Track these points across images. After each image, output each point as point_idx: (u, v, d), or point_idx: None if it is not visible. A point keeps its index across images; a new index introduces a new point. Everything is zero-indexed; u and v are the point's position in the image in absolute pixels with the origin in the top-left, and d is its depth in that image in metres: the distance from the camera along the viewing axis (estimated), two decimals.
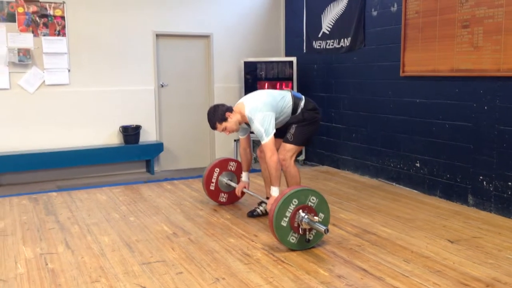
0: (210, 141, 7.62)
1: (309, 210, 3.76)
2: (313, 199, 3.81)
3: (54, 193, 5.72)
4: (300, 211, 3.74)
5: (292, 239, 3.77)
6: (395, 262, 3.57)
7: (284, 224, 3.72)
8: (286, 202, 3.72)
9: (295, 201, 3.74)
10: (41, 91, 6.49)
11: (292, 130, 4.40)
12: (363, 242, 3.98)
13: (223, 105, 4.36)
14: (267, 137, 4.10)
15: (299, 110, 4.40)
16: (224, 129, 4.33)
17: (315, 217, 3.73)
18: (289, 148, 4.39)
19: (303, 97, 4.49)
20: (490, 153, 4.74)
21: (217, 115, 4.29)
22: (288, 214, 3.72)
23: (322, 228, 3.65)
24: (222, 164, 5.09)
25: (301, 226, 3.74)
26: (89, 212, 4.91)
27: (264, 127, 4.11)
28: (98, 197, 5.50)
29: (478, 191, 4.88)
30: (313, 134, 4.59)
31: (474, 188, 4.92)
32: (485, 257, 3.65)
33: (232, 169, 5.10)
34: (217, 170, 5.05)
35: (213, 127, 4.37)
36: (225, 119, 4.29)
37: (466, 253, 3.73)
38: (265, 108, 4.20)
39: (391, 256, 3.68)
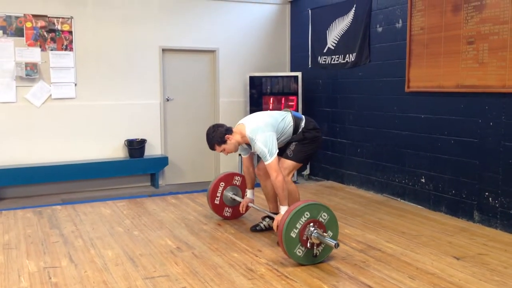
0: (215, 156, 7.63)
1: (319, 225, 3.77)
2: (324, 216, 3.82)
3: (59, 207, 5.73)
4: (311, 224, 3.74)
5: (299, 252, 3.75)
6: (400, 279, 3.54)
7: (293, 235, 3.71)
8: (298, 213, 3.73)
9: (307, 214, 3.75)
10: (47, 104, 6.54)
11: (292, 147, 4.40)
12: (368, 258, 3.95)
13: (222, 126, 4.37)
14: (271, 157, 4.10)
15: (300, 130, 4.41)
16: (223, 150, 4.37)
17: (324, 233, 3.73)
18: (287, 165, 4.37)
19: (303, 117, 4.51)
20: (495, 169, 4.71)
21: (216, 137, 4.30)
22: (298, 226, 3.72)
23: (332, 242, 3.65)
24: (228, 178, 5.09)
25: (309, 240, 3.74)
26: (93, 226, 4.90)
27: (268, 148, 4.10)
28: (102, 211, 5.50)
29: (484, 208, 4.84)
30: (314, 153, 4.58)
31: (479, 205, 4.89)
32: (491, 274, 3.61)
33: (237, 183, 5.10)
34: (222, 184, 5.05)
35: (212, 148, 4.40)
36: (224, 142, 4.31)
37: (472, 270, 3.69)
38: (266, 128, 4.20)
39: (396, 273, 3.65)
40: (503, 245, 4.27)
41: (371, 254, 4.05)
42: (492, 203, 4.75)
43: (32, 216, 5.31)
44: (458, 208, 5.13)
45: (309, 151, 4.46)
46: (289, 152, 4.40)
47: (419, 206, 5.59)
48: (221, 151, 4.39)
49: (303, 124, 4.43)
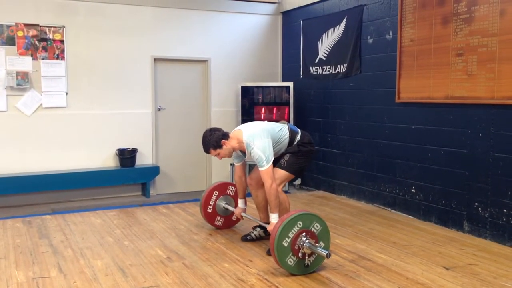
0: (206, 165, 7.62)
1: (311, 235, 3.78)
2: (317, 226, 3.84)
3: (48, 216, 5.69)
4: (303, 234, 3.75)
5: (290, 262, 3.75)
6: None
7: (285, 244, 3.72)
8: (291, 222, 3.74)
9: (299, 224, 3.76)
10: (38, 113, 6.52)
11: (287, 157, 4.42)
12: (358, 268, 3.96)
13: (219, 130, 4.37)
14: (267, 164, 4.12)
15: (295, 143, 4.44)
16: (217, 155, 4.36)
17: (315, 244, 3.74)
18: (279, 175, 4.37)
19: (299, 130, 4.54)
20: (485, 180, 4.75)
21: (212, 140, 4.30)
22: (291, 235, 3.73)
23: (324, 252, 3.66)
24: (222, 187, 5.10)
25: (301, 250, 3.74)
26: (83, 236, 4.87)
27: (265, 154, 4.13)
28: (92, 221, 5.47)
29: (473, 218, 4.87)
30: (305, 166, 4.60)
31: (469, 215, 4.92)
32: (480, 285, 3.63)
33: (231, 193, 5.10)
34: (216, 193, 5.06)
35: (207, 151, 4.39)
36: (220, 146, 4.30)
37: (461, 280, 3.71)
38: (264, 134, 4.23)
39: (386, 283, 3.65)
40: (493, 255, 4.30)
41: (362, 264, 4.05)
42: (482, 214, 4.79)
43: (22, 225, 5.27)
44: (448, 218, 5.15)
45: (302, 164, 4.49)
46: (282, 162, 4.41)
47: (409, 216, 5.61)
48: (215, 155, 4.38)
49: (298, 137, 4.46)
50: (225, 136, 4.33)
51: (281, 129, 4.43)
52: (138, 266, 3.99)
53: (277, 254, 3.72)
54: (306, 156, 4.47)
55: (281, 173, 4.39)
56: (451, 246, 4.55)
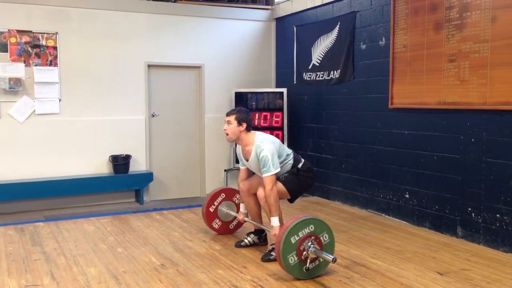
0: (200, 171, 7.61)
1: (318, 242, 3.82)
2: (325, 237, 3.89)
3: (41, 223, 5.65)
4: (312, 238, 3.79)
5: (291, 260, 3.77)
6: None
7: (292, 240, 3.75)
8: (305, 222, 3.80)
9: (311, 227, 3.82)
10: (31, 120, 6.49)
11: (286, 174, 4.44)
12: (352, 274, 3.96)
13: (251, 118, 4.42)
14: (274, 170, 4.18)
15: (295, 168, 4.46)
16: (229, 124, 4.37)
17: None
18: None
19: (302, 159, 4.58)
20: (478, 185, 4.77)
21: (241, 114, 4.35)
22: (300, 234, 3.78)
23: (330, 257, 3.70)
24: (229, 192, 5.15)
25: (304, 252, 3.77)
26: (76, 243, 4.85)
27: (273, 159, 4.17)
28: (85, 228, 5.44)
29: (467, 223, 4.89)
30: (302, 191, 4.58)
31: (462, 220, 4.94)
32: None
33: (236, 201, 5.11)
34: (223, 195, 5.09)
35: (229, 114, 4.40)
36: (239, 123, 4.33)
37: (455, 286, 3.71)
38: (276, 143, 4.31)
39: None
40: (486, 260, 4.31)
41: (356, 270, 4.05)
42: (475, 219, 4.80)
43: (14, 233, 5.23)
44: (441, 223, 5.17)
45: (299, 185, 4.47)
46: (281, 177, 4.41)
47: (403, 222, 5.62)
48: (227, 123, 4.37)
49: (300, 165, 4.49)
50: (250, 125, 4.39)
51: (289, 154, 4.47)
52: (131, 274, 3.97)
53: (282, 248, 3.73)
54: (304, 180, 4.48)
55: (278, 185, 4.38)
56: (445, 251, 4.56)
